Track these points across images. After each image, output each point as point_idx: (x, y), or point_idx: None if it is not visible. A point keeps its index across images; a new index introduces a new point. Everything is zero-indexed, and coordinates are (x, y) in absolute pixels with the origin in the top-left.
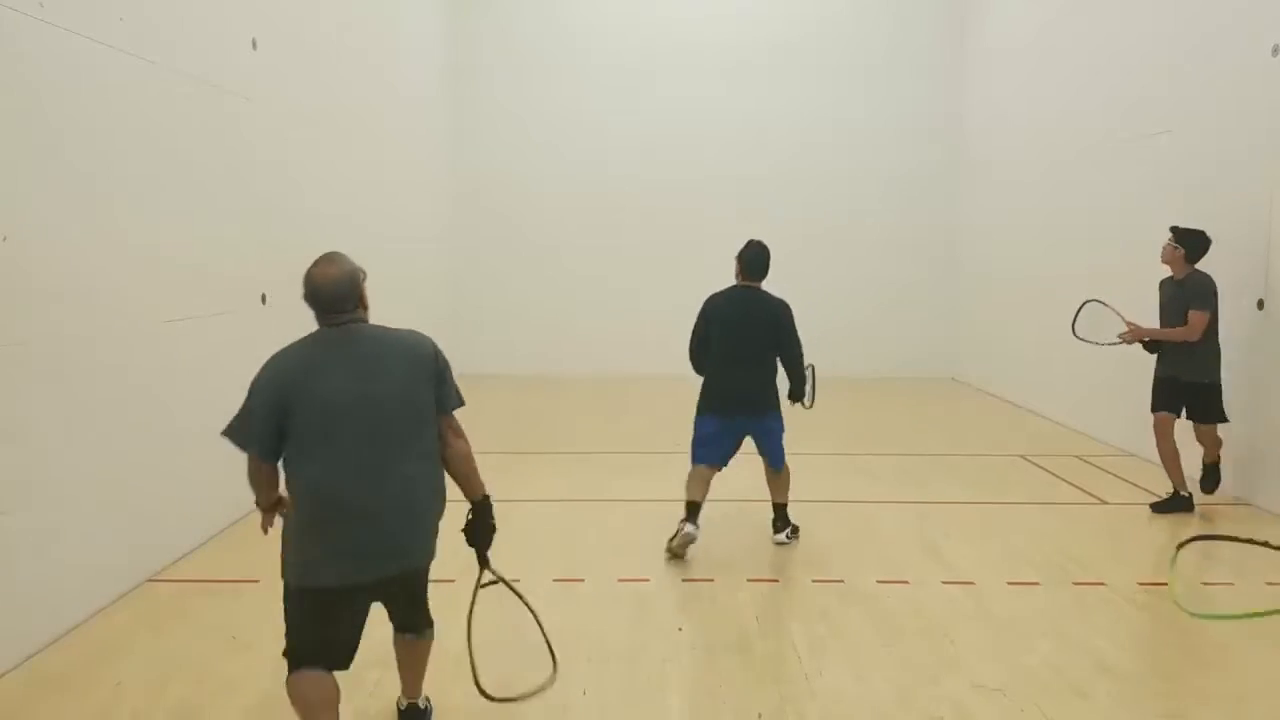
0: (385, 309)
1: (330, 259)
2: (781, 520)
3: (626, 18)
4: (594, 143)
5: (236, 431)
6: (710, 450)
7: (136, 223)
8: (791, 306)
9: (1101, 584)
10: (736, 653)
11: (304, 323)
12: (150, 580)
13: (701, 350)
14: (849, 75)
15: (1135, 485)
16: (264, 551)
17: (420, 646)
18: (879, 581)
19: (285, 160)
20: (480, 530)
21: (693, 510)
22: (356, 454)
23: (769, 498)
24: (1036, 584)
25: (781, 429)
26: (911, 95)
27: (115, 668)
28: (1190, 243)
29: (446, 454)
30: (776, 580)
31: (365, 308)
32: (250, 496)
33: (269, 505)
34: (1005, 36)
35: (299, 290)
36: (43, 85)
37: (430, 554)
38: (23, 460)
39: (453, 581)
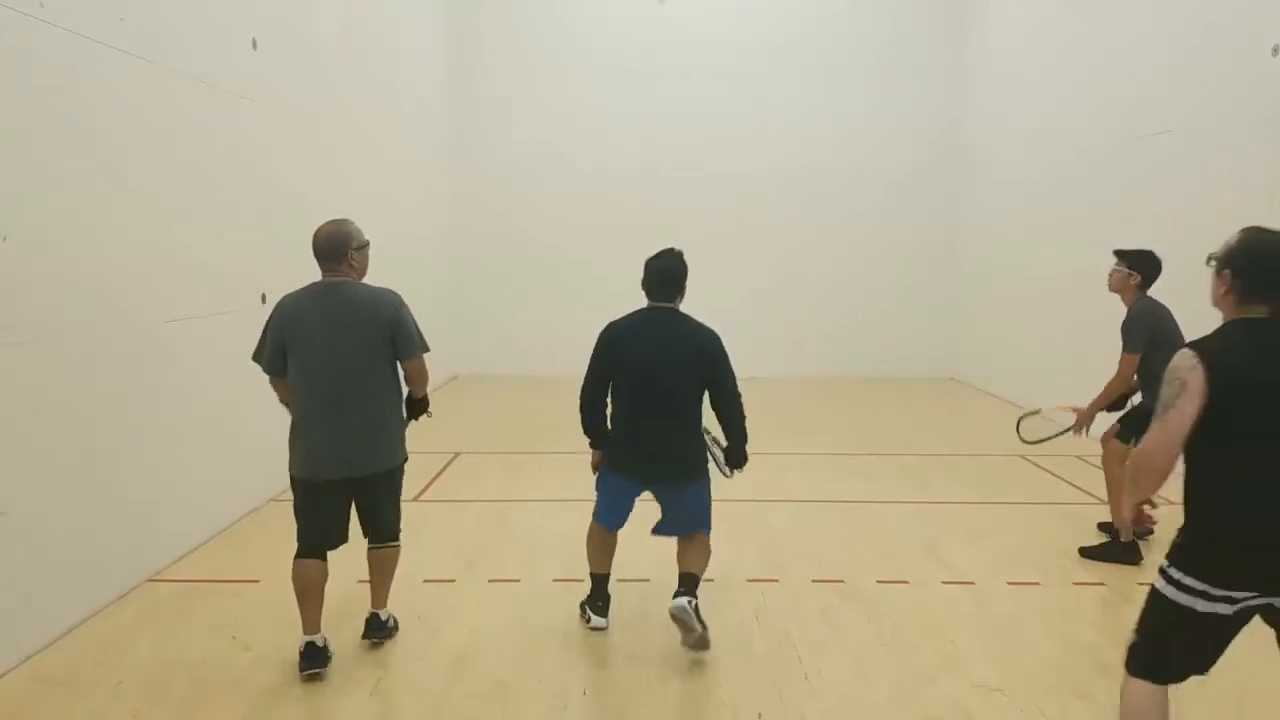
0: None
1: (334, 221)
2: (690, 587)
3: (627, 18)
4: (594, 143)
5: (256, 352)
6: (615, 514)
7: (137, 223)
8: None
9: (1101, 584)
10: (736, 653)
11: None
12: (150, 580)
13: (599, 396)
14: (849, 75)
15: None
16: (264, 551)
17: (382, 556)
18: (879, 581)
19: (285, 160)
20: (411, 407)
21: (600, 586)
22: (320, 382)
23: (771, 498)
24: (1036, 584)
25: (709, 492)
26: (911, 95)
27: (115, 668)
28: (1145, 265)
29: (407, 379)
30: (776, 580)
31: (353, 267)
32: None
33: (284, 401)
34: (1005, 36)
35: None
36: (43, 85)
37: (377, 466)
38: (22, 460)
39: (453, 581)
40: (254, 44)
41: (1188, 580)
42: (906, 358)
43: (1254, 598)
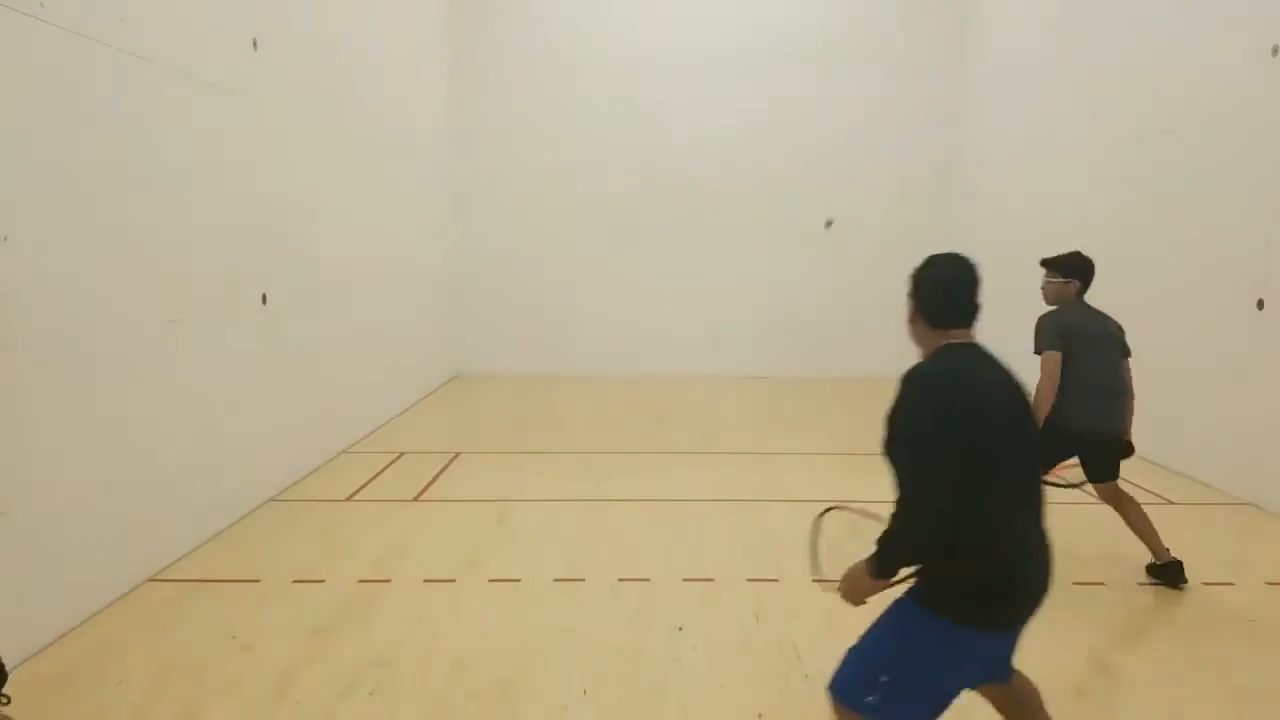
0: (386, 309)
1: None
2: None
3: (627, 18)
4: (594, 143)
5: None
6: None
7: (136, 223)
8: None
9: (1101, 584)
10: (736, 653)
11: (302, 323)
12: (150, 580)
13: None
14: (849, 75)
15: (1136, 485)
16: (264, 551)
17: None
18: None
19: (285, 160)
20: None
21: None
22: None
23: (771, 498)
24: None
25: None
26: (911, 95)
27: (115, 668)
28: (1083, 270)
29: None
30: (777, 580)
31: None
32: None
33: None
34: (1006, 36)
35: (299, 290)
36: (43, 85)
37: None
38: (23, 460)
39: (453, 581)
40: (254, 44)
41: None
42: (906, 358)
43: None
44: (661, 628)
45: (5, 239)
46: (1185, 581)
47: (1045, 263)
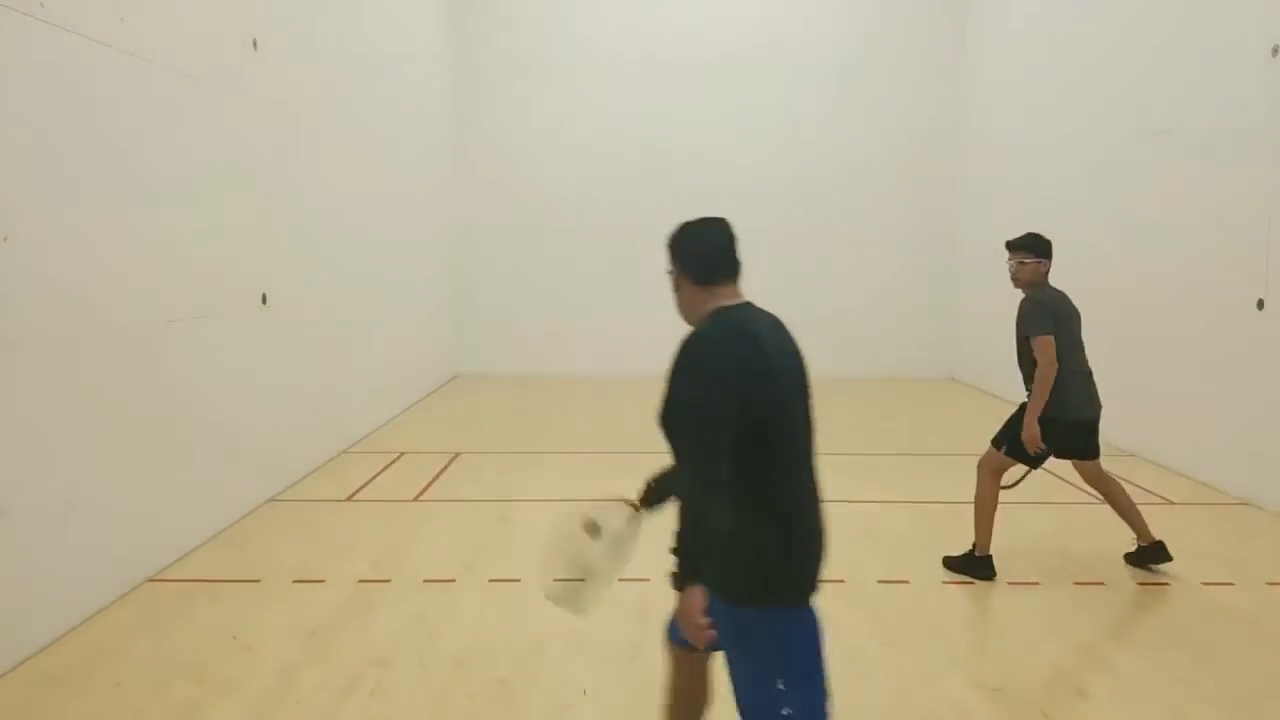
0: (386, 309)
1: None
2: None
3: (627, 17)
4: (594, 142)
5: None
6: None
7: (136, 223)
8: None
9: (1101, 584)
10: None
11: (302, 323)
12: (150, 580)
13: None
14: (849, 75)
15: (1136, 485)
16: (264, 551)
17: None
18: (879, 581)
19: (285, 160)
20: None
21: None
22: None
23: None
24: (1037, 584)
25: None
26: (911, 95)
27: (115, 668)
28: (1050, 249)
29: None
30: None
31: None
32: (249, 492)
33: None
34: (1006, 36)
35: (299, 290)
36: (43, 85)
37: None
38: (23, 460)
39: (453, 581)
40: (254, 44)
41: None
42: (906, 358)
43: None
44: (662, 628)
45: (5, 239)
46: (1169, 559)
47: (1013, 245)
